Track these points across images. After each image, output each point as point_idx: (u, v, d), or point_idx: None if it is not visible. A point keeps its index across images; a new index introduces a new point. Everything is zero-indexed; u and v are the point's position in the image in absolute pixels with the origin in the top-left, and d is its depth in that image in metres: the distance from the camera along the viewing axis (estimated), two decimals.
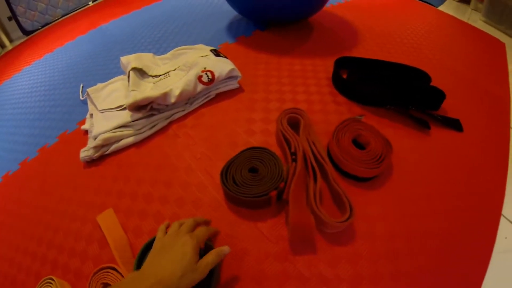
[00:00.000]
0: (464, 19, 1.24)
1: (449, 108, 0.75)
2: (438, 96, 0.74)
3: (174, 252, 0.37)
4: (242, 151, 0.59)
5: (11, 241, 0.59)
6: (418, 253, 0.49)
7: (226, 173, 0.55)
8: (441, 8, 1.34)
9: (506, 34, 1.18)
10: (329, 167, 0.57)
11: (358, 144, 0.63)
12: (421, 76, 0.81)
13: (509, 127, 0.74)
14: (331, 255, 0.49)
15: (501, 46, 1.07)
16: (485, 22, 1.25)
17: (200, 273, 0.36)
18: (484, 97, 0.81)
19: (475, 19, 1.26)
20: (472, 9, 1.34)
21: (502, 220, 0.55)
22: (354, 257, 0.48)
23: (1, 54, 1.40)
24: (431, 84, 0.78)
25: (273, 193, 0.51)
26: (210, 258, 0.38)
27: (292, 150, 0.57)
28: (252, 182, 0.53)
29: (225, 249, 0.41)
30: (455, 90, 0.80)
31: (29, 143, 0.80)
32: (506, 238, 0.53)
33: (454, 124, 0.71)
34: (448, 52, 0.98)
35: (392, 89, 0.75)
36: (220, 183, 0.54)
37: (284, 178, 0.53)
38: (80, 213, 0.59)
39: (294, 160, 0.55)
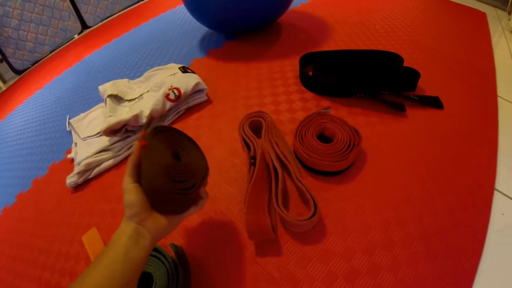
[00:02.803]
0: None
1: (426, 87, 0.74)
2: (412, 76, 0.73)
3: None
4: None
5: (11, 269, 0.64)
6: (398, 243, 0.48)
7: None
8: None
9: (487, 3, 1.17)
10: (292, 166, 0.58)
11: (325, 138, 0.64)
12: (393, 59, 0.81)
13: (496, 97, 0.72)
14: (301, 255, 0.49)
15: (482, 16, 1.07)
16: None
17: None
18: (465, 70, 0.80)
19: None
20: None
21: (497, 195, 0.54)
22: (326, 254, 0.48)
23: None
24: (405, 65, 0.77)
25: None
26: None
27: (252, 154, 0.60)
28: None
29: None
30: (433, 68, 0.80)
31: (23, 177, 0.86)
32: (503, 214, 0.51)
33: (433, 102, 0.70)
34: (424, 31, 0.98)
35: (359, 76, 0.74)
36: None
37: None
38: (68, 235, 0.63)
39: (253, 164, 0.57)
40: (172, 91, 0.76)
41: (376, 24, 1.07)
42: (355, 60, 0.85)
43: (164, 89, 0.76)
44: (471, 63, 0.82)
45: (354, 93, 0.73)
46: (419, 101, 0.70)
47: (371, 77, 0.74)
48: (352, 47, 0.96)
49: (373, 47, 0.93)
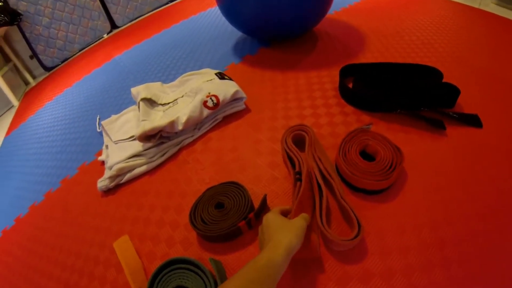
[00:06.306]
0: (475, 5, 1.18)
1: (465, 103, 0.71)
2: (452, 92, 0.70)
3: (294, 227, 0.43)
4: (207, 189, 0.60)
5: (37, 267, 0.63)
6: (436, 266, 0.46)
7: (194, 214, 0.56)
8: None
9: None
10: (336, 183, 0.56)
11: (367, 155, 0.61)
12: (432, 73, 0.78)
13: None
14: (341, 274, 0.47)
15: None
16: (497, 4, 1.18)
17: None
18: (503, 86, 0.76)
19: (487, 2, 1.20)
20: None
21: None
22: (367, 274, 0.46)
23: (26, 91, 1.50)
24: (444, 80, 0.74)
25: (242, 224, 0.52)
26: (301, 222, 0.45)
27: (297, 169, 0.57)
28: (219, 218, 0.54)
29: (306, 217, 0.47)
30: (470, 83, 0.76)
31: (52, 175, 0.85)
32: None
33: (472, 120, 0.67)
34: (460, 43, 0.94)
35: (399, 91, 0.72)
36: (190, 225, 0.55)
37: (253, 208, 0.55)
38: (98, 240, 0.62)
39: (299, 180, 0.55)
40: (210, 98, 0.73)
41: (412, 36, 1.03)
42: (396, 74, 0.82)
43: (201, 96, 0.74)
44: (508, 79, 0.78)
45: (395, 109, 0.70)
46: (458, 119, 0.67)
47: (411, 92, 0.72)
48: (390, 59, 0.93)
49: (410, 60, 0.90)
